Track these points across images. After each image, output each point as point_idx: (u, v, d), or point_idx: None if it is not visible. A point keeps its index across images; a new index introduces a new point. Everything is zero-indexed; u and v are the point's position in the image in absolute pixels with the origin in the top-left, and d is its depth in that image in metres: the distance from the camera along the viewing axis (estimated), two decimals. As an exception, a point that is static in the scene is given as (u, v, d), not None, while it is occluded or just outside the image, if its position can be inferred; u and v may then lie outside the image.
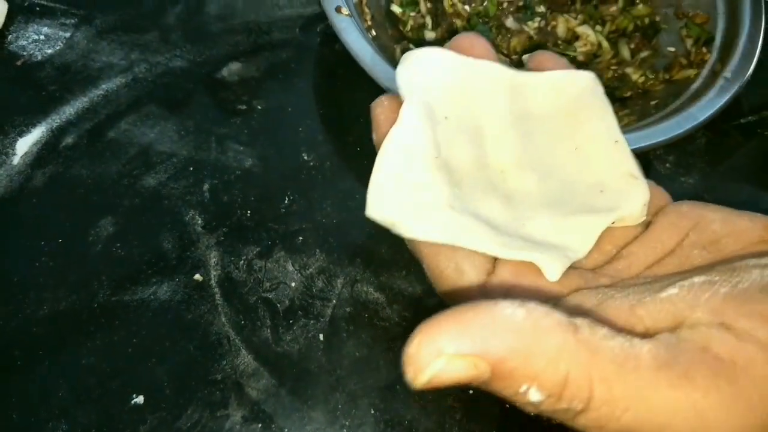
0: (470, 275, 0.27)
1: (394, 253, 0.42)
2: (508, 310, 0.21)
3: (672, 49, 0.49)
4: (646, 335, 0.22)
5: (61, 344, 0.38)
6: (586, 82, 0.32)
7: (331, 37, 0.42)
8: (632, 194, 0.29)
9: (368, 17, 0.45)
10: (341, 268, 0.42)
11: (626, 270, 0.28)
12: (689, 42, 0.49)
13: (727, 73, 0.44)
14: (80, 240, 0.42)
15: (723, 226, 0.27)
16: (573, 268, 0.28)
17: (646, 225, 0.29)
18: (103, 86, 0.47)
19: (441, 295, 0.28)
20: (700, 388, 0.20)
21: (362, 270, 0.42)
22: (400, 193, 0.28)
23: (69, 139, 0.45)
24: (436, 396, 0.38)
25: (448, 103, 0.31)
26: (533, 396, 0.21)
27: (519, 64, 0.44)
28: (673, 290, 0.23)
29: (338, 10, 0.41)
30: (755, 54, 0.44)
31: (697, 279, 0.23)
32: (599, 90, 0.32)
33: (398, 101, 0.30)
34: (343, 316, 0.40)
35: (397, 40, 0.47)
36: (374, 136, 0.30)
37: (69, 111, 0.46)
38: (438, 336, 0.20)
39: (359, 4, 0.45)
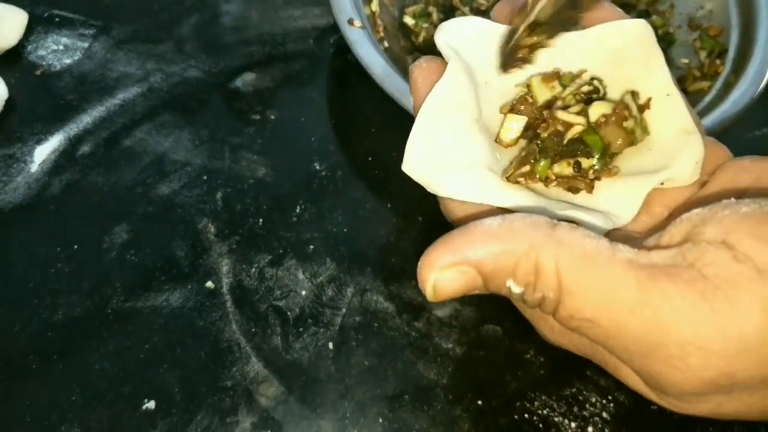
0: None
1: (403, 263, 0.43)
2: (488, 221, 0.24)
3: (685, 61, 0.49)
4: None
5: (74, 349, 0.39)
6: (636, 31, 0.30)
7: (344, 48, 0.43)
8: (684, 152, 0.28)
9: (381, 29, 0.45)
10: (351, 278, 0.42)
11: None
12: (703, 54, 0.49)
13: (741, 85, 0.44)
14: (95, 247, 0.42)
15: None
16: (620, 231, 0.27)
17: (702, 184, 0.28)
18: (120, 96, 0.48)
19: None
20: (666, 293, 0.21)
21: (372, 279, 0.42)
22: (438, 151, 0.27)
23: (86, 148, 0.46)
24: (444, 406, 0.38)
25: (488, 69, 0.30)
26: (514, 289, 0.24)
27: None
28: (696, 210, 0.23)
29: (350, 22, 0.41)
30: (769, 66, 0.44)
31: (725, 201, 0.23)
32: (650, 39, 0.30)
33: (437, 64, 0.29)
34: (352, 325, 0.40)
35: (409, 51, 0.47)
36: (412, 99, 0.30)
37: (86, 120, 0.47)
38: (431, 255, 0.24)
39: (372, 16, 0.45)
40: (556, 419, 0.38)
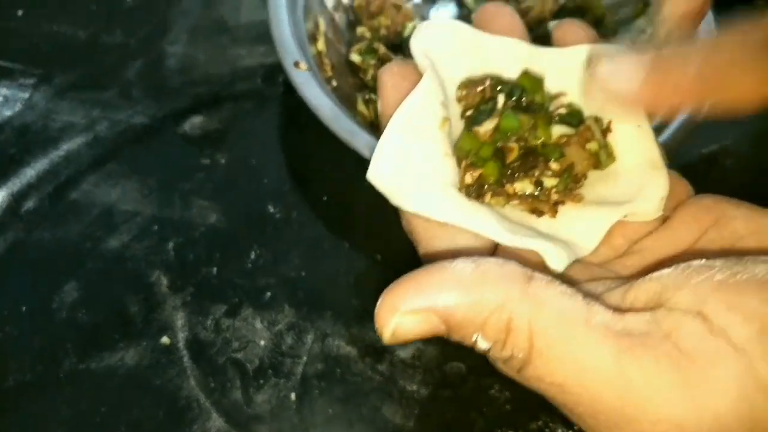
0: None
1: (364, 304, 0.42)
2: (459, 266, 0.22)
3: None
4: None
5: (26, 417, 0.38)
6: None
7: (293, 86, 0.42)
8: (650, 187, 0.28)
9: (328, 68, 0.45)
10: (311, 323, 0.41)
11: (636, 266, 0.27)
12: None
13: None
14: (44, 307, 0.41)
15: (745, 225, 0.25)
16: (579, 261, 0.27)
17: (664, 219, 0.28)
18: (64, 146, 0.47)
19: None
20: (643, 367, 0.20)
21: (332, 323, 0.41)
22: (406, 164, 0.27)
23: (30, 203, 0.44)
24: (412, 451, 0.38)
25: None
26: (481, 344, 0.22)
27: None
28: (667, 270, 0.23)
29: (296, 65, 0.41)
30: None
31: (696, 263, 0.22)
32: None
33: (408, 69, 0.29)
34: (314, 373, 0.40)
35: (358, 88, 0.47)
36: (379, 104, 0.29)
37: (29, 173, 0.46)
38: (395, 295, 0.23)
39: (318, 55, 0.45)
40: (524, 455, 0.38)
